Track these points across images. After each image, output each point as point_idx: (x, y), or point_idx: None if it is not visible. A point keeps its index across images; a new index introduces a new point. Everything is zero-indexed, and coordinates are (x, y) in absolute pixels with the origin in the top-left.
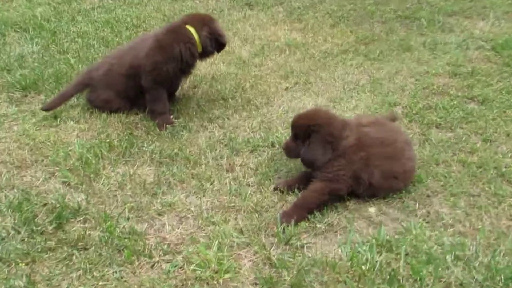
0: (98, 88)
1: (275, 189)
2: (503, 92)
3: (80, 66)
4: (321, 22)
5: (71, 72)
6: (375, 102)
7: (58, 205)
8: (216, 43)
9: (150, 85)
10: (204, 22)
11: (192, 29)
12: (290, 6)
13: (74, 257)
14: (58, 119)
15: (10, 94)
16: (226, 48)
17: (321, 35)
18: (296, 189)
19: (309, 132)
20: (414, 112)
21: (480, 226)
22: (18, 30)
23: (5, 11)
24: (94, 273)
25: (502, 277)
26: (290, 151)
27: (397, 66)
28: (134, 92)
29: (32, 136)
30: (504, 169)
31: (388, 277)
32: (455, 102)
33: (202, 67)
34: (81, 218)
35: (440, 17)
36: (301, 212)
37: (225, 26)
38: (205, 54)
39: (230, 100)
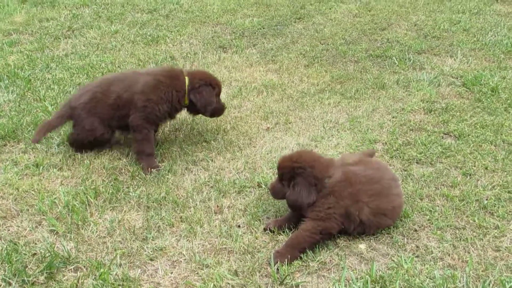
0: (81, 116)
1: (265, 229)
2: (478, 126)
3: None
4: (295, 62)
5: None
6: (355, 140)
7: (47, 254)
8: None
9: (140, 123)
10: (201, 78)
11: (187, 80)
12: (263, 47)
13: None
14: (41, 167)
15: None
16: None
17: (297, 75)
18: (286, 229)
19: (293, 174)
20: (394, 148)
21: (468, 259)
22: None
23: None
24: None
25: None
26: (276, 192)
27: (374, 104)
28: (117, 124)
29: (15, 185)
30: (485, 202)
31: None
32: (432, 138)
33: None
34: (72, 267)
35: (410, 55)
36: (294, 252)
37: (201, 69)
38: (193, 109)
39: (212, 142)
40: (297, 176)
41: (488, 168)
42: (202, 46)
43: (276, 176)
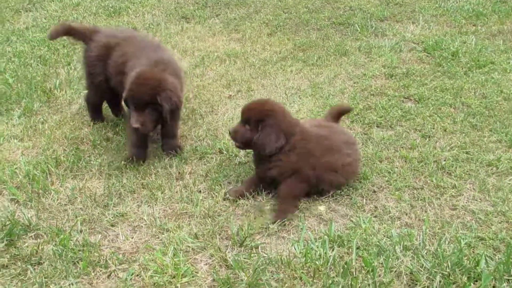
0: None
1: (225, 198)
2: (437, 90)
3: (19, 85)
4: (258, 31)
5: (10, 92)
6: (316, 105)
7: (8, 223)
8: None
9: None
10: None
11: None
12: (226, 17)
13: (28, 272)
14: (1, 138)
15: None
16: None
17: (259, 44)
18: (246, 196)
19: (263, 117)
20: (355, 113)
21: (424, 217)
22: None
23: None
24: (51, 286)
25: (449, 263)
26: (240, 136)
27: (335, 70)
28: None
29: None
30: (443, 162)
31: (342, 270)
32: (393, 102)
33: None
34: (33, 234)
35: (373, 22)
36: (292, 204)
37: (163, 39)
38: None
39: None
40: (266, 119)
41: (447, 130)
42: (165, 17)
43: (238, 121)
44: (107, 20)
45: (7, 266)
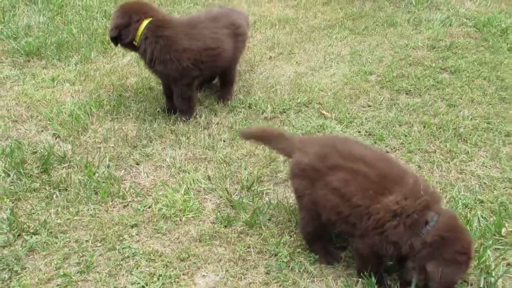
0: None
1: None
2: (475, 63)
3: (82, 36)
4: (314, 0)
5: (72, 41)
6: (351, 71)
7: (46, 153)
8: None
9: None
10: None
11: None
12: None
13: (54, 196)
14: (55, 81)
15: (14, 59)
16: None
17: (312, 12)
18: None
19: None
20: (387, 80)
21: (427, 178)
22: (28, 3)
23: None
24: (71, 209)
25: None
26: None
27: (379, 40)
28: None
29: (30, 95)
30: (461, 130)
31: None
32: (427, 72)
33: None
34: (66, 165)
35: None
36: None
37: (222, 1)
38: None
39: None
40: None
41: (474, 100)
42: None
43: None
44: None
45: (37, 190)
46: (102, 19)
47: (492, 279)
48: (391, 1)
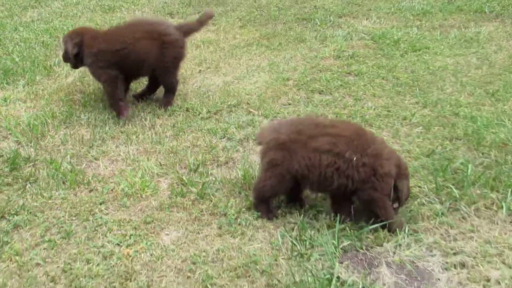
0: None
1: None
2: (375, 67)
3: (24, 63)
4: (232, 24)
5: (17, 68)
6: (271, 78)
7: (12, 155)
8: None
9: None
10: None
11: None
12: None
13: (27, 186)
14: (8, 101)
15: None
16: None
17: (231, 34)
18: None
19: None
20: (302, 83)
21: None
22: None
23: None
24: (44, 194)
25: None
26: None
27: (292, 53)
28: None
29: None
30: (367, 117)
31: None
32: (335, 75)
33: None
34: (31, 164)
35: (332, 18)
36: None
37: None
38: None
39: None
40: None
41: (376, 95)
42: (152, 13)
43: None
44: (102, 16)
45: (10, 184)
46: (40, 48)
47: None
48: (299, 23)
